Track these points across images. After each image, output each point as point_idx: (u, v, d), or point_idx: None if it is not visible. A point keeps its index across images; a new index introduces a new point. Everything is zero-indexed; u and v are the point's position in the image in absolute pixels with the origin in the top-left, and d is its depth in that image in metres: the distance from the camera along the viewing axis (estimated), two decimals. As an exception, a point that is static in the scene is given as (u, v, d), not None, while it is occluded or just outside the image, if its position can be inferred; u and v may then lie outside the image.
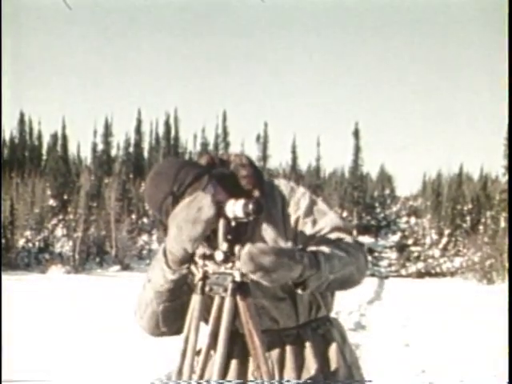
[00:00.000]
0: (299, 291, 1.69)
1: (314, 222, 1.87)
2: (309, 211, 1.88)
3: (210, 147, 50.09)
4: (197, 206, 1.64)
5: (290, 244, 1.64)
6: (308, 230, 1.86)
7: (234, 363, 1.88)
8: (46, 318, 10.67)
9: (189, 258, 1.72)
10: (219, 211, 1.65)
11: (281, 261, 1.57)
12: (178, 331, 1.85)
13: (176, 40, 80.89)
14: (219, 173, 1.86)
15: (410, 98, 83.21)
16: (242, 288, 1.67)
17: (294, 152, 51.66)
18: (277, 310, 1.88)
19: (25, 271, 29.03)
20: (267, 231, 1.87)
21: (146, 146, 51.76)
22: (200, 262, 1.71)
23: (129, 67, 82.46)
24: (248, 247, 1.58)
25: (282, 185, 1.93)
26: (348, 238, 1.84)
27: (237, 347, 1.86)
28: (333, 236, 1.83)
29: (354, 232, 38.39)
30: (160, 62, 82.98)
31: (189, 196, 1.74)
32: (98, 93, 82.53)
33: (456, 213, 41.65)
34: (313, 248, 1.74)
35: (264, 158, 51.04)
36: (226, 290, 1.67)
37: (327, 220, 1.87)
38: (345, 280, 1.76)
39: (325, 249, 1.73)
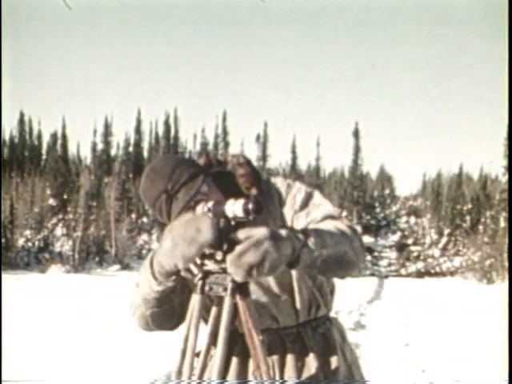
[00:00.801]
0: (293, 269, 1.63)
1: (307, 214, 1.87)
2: (303, 205, 1.88)
3: (210, 147, 50.05)
4: (196, 227, 1.60)
5: (263, 229, 1.58)
6: (301, 221, 1.85)
7: (233, 363, 1.88)
8: (46, 318, 10.67)
9: (176, 272, 1.69)
10: (218, 237, 1.61)
11: (264, 248, 1.52)
12: (170, 329, 1.87)
13: (176, 40, 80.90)
14: (216, 172, 1.86)
15: (410, 98, 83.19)
16: (241, 287, 1.67)
17: (293, 152, 51.61)
18: (277, 309, 1.89)
19: (25, 270, 29.01)
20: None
21: (145, 145, 51.78)
22: (199, 261, 1.71)
23: (128, 67, 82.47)
24: (228, 258, 1.55)
25: (279, 182, 1.94)
26: (341, 224, 1.79)
27: (237, 347, 1.86)
28: (325, 222, 1.81)
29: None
30: (160, 61, 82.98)
31: (183, 195, 1.74)
32: (98, 92, 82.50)
33: (456, 212, 41.64)
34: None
35: (264, 157, 50.96)
36: (225, 290, 1.67)
37: (320, 210, 1.87)
38: (340, 258, 1.70)
39: (317, 231, 1.67)
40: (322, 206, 1.88)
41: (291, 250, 1.57)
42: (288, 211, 1.89)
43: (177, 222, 1.65)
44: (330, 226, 1.75)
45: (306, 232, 1.64)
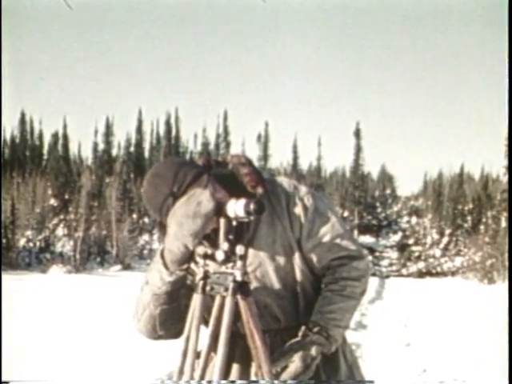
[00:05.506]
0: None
1: (316, 228, 1.90)
2: (312, 216, 1.90)
3: (211, 147, 50.02)
4: (196, 201, 1.66)
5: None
6: (310, 235, 1.89)
7: (235, 364, 1.88)
8: (47, 318, 10.67)
9: (188, 258, 1.71)
10: (218, 207, 1.66)
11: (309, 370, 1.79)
12: (176, 335, 1.86)
13: (176, 40, 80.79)
14: (218, 172, 1.86)
15: (411, 98, 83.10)
16: (242, 287, 1.67)
17: (295, 152, 51.54)
18: (279, 309, 1.88)
19: (26, 271, 28.99)
20: (269, 231, 1.87)
21: (146, 145, 51.81)
22: (201, 261, 1.71)
23: (129, 67, 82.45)
24: (285, 374, 1.76)
25: (285, 182, 1.94)
26: (350, 245, 1.90)
27: (238, 348, 1.85)
28: (335, 248, 1.89)
29: (356, 232, 38.45)
30: (161, 61, 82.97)
31: None
32: (99, 92, 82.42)
33: (457, 212, 41.59)
34: (319, 322, 1.82)
35: (265, 157, 50.93)
36: (226, 290, 1.66)
37: (328, 226, 1.90)
38: (355, 310, 1.93)
39: (331, 316, 1.83)
40: (330, 220, 1.91)
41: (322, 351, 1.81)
42: (297, 214, 1.89)
43: (177, 205, 1.69)
44: (346, 291, 1.91)
45: (326, 328, 1.81)
